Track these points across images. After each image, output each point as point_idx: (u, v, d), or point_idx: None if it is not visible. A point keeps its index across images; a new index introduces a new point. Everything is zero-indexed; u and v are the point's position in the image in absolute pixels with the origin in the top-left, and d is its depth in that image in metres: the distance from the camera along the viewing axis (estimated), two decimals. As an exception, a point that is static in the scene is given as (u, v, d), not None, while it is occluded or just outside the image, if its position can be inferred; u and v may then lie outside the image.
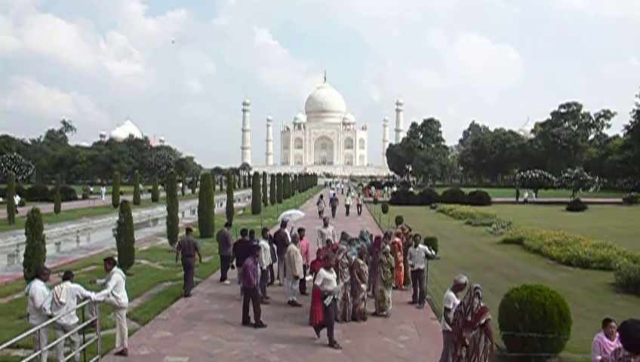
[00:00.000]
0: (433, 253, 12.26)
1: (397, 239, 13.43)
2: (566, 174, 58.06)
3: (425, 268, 12.02)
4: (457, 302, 7.25)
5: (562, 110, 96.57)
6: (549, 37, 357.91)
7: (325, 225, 16.27)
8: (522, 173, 60.53)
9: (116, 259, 14.78)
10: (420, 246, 12.21)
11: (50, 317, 7.45)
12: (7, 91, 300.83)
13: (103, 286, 8.35)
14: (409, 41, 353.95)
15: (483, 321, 6.64)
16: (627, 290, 13.14)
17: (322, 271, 9.27)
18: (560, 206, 44.67)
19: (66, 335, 7.57)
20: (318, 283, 9.16)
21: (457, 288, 7.53)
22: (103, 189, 52.59)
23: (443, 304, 7.47)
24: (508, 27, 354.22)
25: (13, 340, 6.57)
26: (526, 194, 52.33)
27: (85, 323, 7.92)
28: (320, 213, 34.22)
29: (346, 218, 32.62)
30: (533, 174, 58.26)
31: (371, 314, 10.83)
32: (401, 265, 13.16)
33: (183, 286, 12.81)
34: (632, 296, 12.70)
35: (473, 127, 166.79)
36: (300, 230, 13.55)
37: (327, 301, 9.04)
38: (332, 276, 9.30)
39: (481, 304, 6.80)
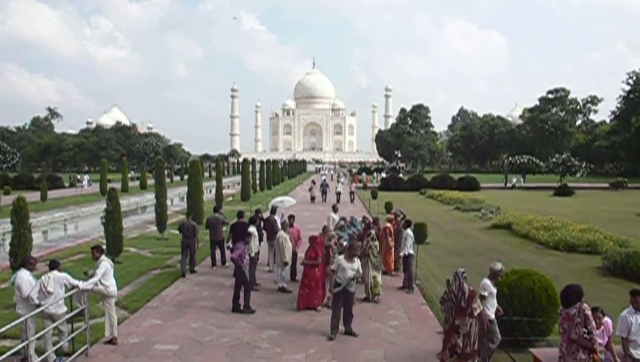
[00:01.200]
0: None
1: (388, 224, 13.44)
2: (554, 159, 58.53)
3: (412, 253, 12.06)
4: (494, 290, 7.26)
5: (550, 96, 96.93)
6: (536, 23, 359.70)
7: (334, 211, 16.22)
8: (510, 159, 60.75)
9: (104, 247, 14.83)
10: (408, 231, 12.24)
11: (38, 306, 7.37)
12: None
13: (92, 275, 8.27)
14: (397, 27, 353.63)
15: (476, 314, 6.68)
16: (613, 273, 13.33)
17: (341, 258, 9.03)
18: (548, 191, 45.04)
19: (54, 324, 7.50)
20: (334, 268, 9.06)
21: (493, 276, 7.46)
22: (86, 177, 51.13)
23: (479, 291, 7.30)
24: (495, 13, 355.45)
25: (4, 328, 6.53)
26: (514, 180, 52.65)
27: (74, 313, 7.85)
28: (312, 198, 34.44)
29: (337, 205, 32.33)
30: (522, 160, 58.55)
31: (362, 300, 10.84)
32: (392, 250, 13.19)
33: (180, 268, 13.41)
34: (619, 278, 12.90)
35: (462, 112, 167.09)
36: (290, 216, 13.51)
37: (336, 290, 8.90)
38: (350, 265, 8.89)
39: (470, 288, 6.84)
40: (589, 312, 5.80)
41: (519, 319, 7.70)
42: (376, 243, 11.50)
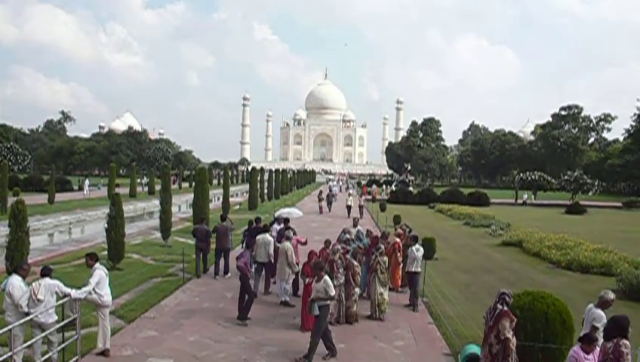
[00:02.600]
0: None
1: (397, 239, 13.07)
2: (566, 177, 57.78)
3: (420, 270, 11.66)
4: (606, 321, 6.49)
5: (563, 112, 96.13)
6: (549, 39, 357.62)
7: (355, 225, 15.68)
8: (522, 175, 60.15)
9: (106, 253, 14.58)
10: (416, 246, 11.85)
11: (27, 314, 7.07)
12: (6, 80, 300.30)
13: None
14: (408, 40, 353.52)
15: (502, 337, 6.23)
16: (630, 297, 12.80)
17: (314, 284, 8.52)
18: (559, 208, 44.41)
19: (44, 334, 7.19)
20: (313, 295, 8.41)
21: (604, 305, 6.88)
22: (86, 182, 49.83)
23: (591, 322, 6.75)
24: (506, 29, 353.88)
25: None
26: (525, 196, 52.02)
27: (65, 322, 7.54)
28: (320, 209, 34.23)
29: (348, 219, 30.90)
30: (533, 176, 57.94)
31: (366, 317, 10.46)
32: (400, 266, 12.80)
33: (196, 270, 14.17)
34: (635, 303, 12.33)
35: (473, 127, 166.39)
36: (289, 228, 13.17)
37: (314, 311, 8.23)
38: (321, 285, 8.33)
39: (504, 308, 6.40)
40: (625, 350, 5.35)
41: (531, 344, 7.28)
42: (385, 258, 11.11)
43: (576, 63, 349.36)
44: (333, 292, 8.46)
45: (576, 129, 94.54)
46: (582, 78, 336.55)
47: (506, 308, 6.42)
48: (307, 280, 9.60)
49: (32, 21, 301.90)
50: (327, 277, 8.51)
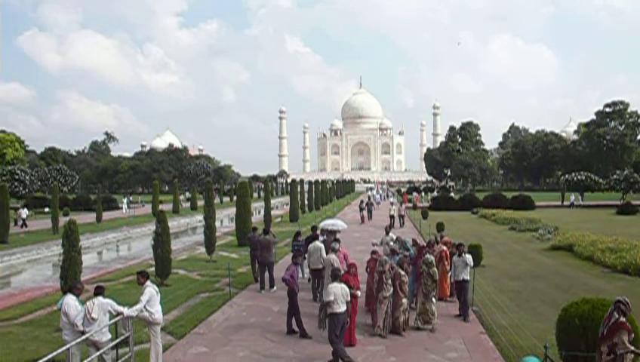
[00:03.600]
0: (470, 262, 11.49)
1: (444, 248, 12.81)
2: (615, 176, 55.83)
3: (469, 278, 11.38)
4: None
5: (607, 109, 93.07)
6: (586, 35, 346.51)
7: (387, 233, 15.63)
8: (567, 176, 58.44)
9: (153, 269, 14.84)
10: (465, 256, 11.56)
11: (83, 333, 7.23)
12: (53, 106, 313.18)
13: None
14: (441, 44, 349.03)
15: (619, 353, 5.83)
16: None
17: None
18: (609, 209, 42.90)
19: (98, 352, 7.32)
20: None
21: None
22: (125, 200, 50.74)
23: None
24: (542, 27, 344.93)
25: (49, 356, 6.42)
26: (572, 198, 50.37)
27: (118, 340, 7.67)
28: (362, 219, 34.19)
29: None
30: (579, 176, 56.23)
31: (415, 329, 10.26)
32: (448, 275, 12.53)
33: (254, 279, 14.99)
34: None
35: (513, 129, 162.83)
36: (337, 240, 13.13)
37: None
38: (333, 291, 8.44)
39: (621, 319, 5.95)
40: None
41: (593, 355, 6.94)
42: (435, 269, 10.85)
43: (617, 57, 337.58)
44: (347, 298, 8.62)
45: (623, 126, 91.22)
46: (625, 73, 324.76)
47: (622, 319, 5.94)
48: (350, 291, 9.51)
49: (75, 47, 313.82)
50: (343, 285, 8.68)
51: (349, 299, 8.56)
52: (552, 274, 16.15)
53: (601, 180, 56.66)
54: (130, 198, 57.82)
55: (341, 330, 8.43)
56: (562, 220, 32.07)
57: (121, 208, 48.53)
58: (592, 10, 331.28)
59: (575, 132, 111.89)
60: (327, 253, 12.32)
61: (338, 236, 15.03)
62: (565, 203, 50.57)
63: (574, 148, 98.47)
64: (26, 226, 32.66)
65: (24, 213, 34.15)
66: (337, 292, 8.39)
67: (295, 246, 14.88)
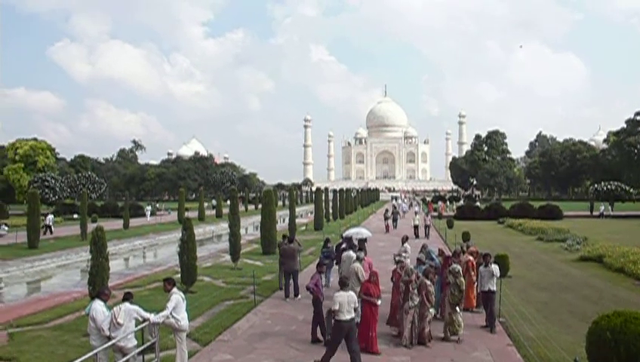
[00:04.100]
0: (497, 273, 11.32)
1: (470, 258, 12.67)
2: (646, 186, 54.46)
3: (495, 289, 11.22)
4: None
5: (638, 117, 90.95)
6: (616, 42, 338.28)
7: (403, 243, 15.60)
8: (596, 185, 57.21)
9: (178, 276, 14.98)
10: (492, 266, 11.41)
11: (109, 338, 7.33)
12: (81, 114, 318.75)
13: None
14: (466, 52, 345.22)
15: None
16: None
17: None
18: (640, 220, 41.87)
19: (125, 358, 7.40)
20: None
21: None
22: (148, 208, 51.41)
23: None
24: (570, 35, 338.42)
25: (77, 361, 6.47)
26: (602, 208, 49.29)
27: (145, 346, 7.76)
28: (387, 227, 34.13)
29: (415, 241, 25.64)
30: (609, 186, 54.99)
31: (440, 339, 10.14)
32: (475, 285, 12.38)
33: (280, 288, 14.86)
34: None
35: (540, 138, 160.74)
36: (361, 249, 13.17)
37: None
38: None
39: None
40: None
41: (626, 369, 6.77)
42: (462, 279, 10.75)
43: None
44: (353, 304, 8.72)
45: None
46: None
47: None
48: (371, 299, 9.48)
49: (103, 57, 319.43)
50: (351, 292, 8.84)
51: (357, 306, 8.70)
52: (580, 286, 15.82)
53: (631, 190, 55.35)
54: (157, 205, 58.52)
55: (348, 337, 8.47)
56: (591, 231, 31.40)
57: (146, 216, 49.17)
58: (621, 16, 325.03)
59: (604, 140, 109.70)
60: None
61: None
62: (595, 213, 49.53)
63: (604, 157, 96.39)
64: (51, 233, 33.32)
65: (49, 219, 34.75)
66: (343, 301, 8.43)
67: (324, 253, 14.87)
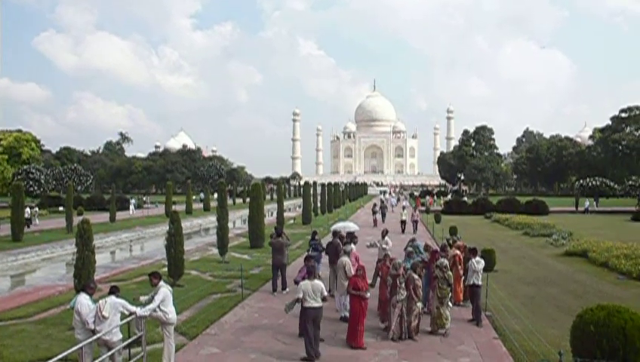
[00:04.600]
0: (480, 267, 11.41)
1: (457, 252, 12.74)
2: (630, 182, 55.20)
3: (481, 283, 11.29)
4: None
5: (623, 115, 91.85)
6: (602, 40, 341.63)
7: (383, 237, 15.65)
8: (581, 181, 57.91)
9: (166, 269, 14.92)
10: (477, 259, 11.49)
11: (94, 331, 7.27)
12: (68, 106, 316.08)
13: (148, 301, 8.13)
14: (455, 47, 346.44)
15: None
16: None
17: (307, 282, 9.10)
18: (624, 215, 42.40)
19: (110, 352, 7.35)
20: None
21: None
22: (132, 201, 50.58)
23: None
24: (557, 32, 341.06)
25: (61, 355, 6.49)
26: (587, 203, 49.83)
27: (131, 339, 7.71)
28: (374, 222, 34.24)
29: (402, 236, 26.77)
30: (594, 182, 55.69)
31: (428, 333, 10.21)
32: (462, 279, 12.46)
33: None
34: None
35: (527, 133, 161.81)
36: (347, 242, 13.13)
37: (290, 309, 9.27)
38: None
39: None
40: None
41: (609, 362, 6.87)
42: (450, 273, 10.82)
43: (633, 63, 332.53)
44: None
45: (639, 131, 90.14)
46: (639, 78, 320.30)
47: None
48: (360, 293, 9.52)
49: (90, 48, 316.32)
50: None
51: (324, 294, 9.03)
52: (565, 280, 15.99)
53: (616, 186, 56.09)
54: (144, 198, 58.08)
55: (313, 323, 8.87)
56: (577, 226, 31.75)
57: (149, 206, 48.67)
58: (607, 14, 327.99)
59: (590, 137, 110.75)
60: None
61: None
62: (580, 208, 50.08)
63: (589, 153, 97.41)
64: (29, 226, 32.26)
65: (27, 212, 32.97)
66: (307, 289, 8.89)
67: (312, 245, 14.80)
